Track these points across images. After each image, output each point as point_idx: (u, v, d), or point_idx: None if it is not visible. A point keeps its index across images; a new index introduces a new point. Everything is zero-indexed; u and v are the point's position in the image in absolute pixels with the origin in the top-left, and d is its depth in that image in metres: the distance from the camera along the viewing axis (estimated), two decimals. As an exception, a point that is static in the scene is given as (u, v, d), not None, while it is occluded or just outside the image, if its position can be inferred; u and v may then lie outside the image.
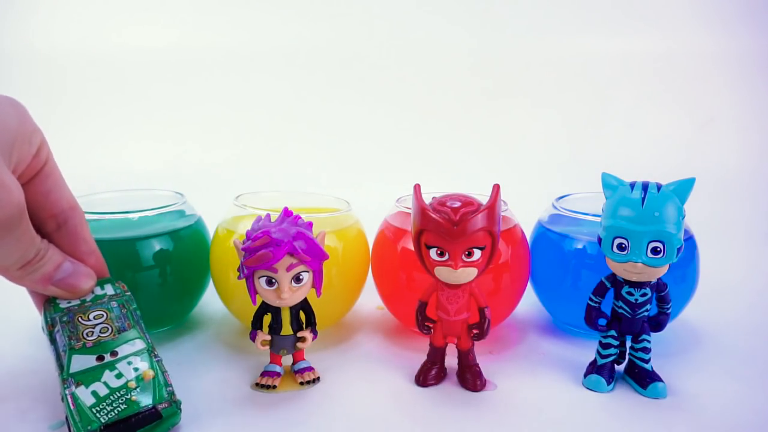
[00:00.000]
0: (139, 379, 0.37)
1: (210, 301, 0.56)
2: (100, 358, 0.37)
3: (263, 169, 1.04)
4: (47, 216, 0.40)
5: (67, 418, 0.35)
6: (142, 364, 0.38)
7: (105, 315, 0.40)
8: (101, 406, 0.34)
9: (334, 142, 1.11)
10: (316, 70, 1.14)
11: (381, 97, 1.16)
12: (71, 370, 0.37)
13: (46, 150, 0.39)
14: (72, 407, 0.34)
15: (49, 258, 0.38)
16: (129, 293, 0.43)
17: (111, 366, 0.37)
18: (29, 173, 0.38)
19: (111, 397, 0.35)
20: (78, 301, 0.41)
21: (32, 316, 0.54)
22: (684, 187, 0.38)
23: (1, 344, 0.50)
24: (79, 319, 0.40)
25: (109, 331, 0.39)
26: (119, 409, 0.34)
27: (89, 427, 0.33)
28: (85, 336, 0.39)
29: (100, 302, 0.41)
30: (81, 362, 0.37)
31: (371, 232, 0.54)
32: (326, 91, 1.15)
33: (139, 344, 0.39)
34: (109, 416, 0.34)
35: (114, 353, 0.38)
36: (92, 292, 0.42)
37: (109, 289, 0.42)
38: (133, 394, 0.35)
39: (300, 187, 0.63)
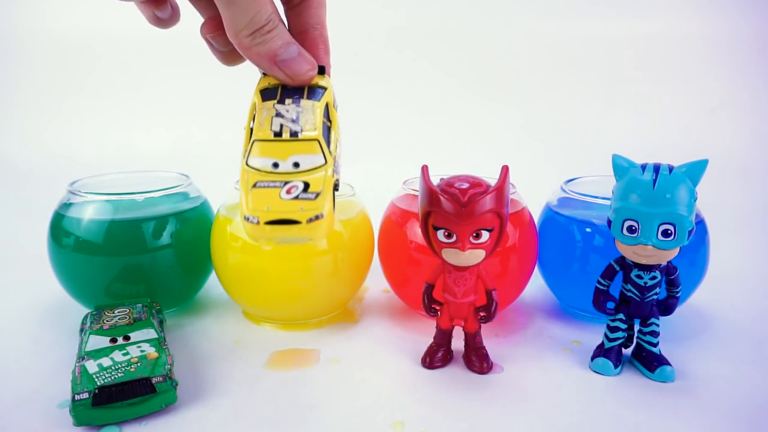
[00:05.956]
0: (143, 358, 0.39)
1: (216, 283, 0.56)
2: (114, 340, 0.41)
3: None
4: None
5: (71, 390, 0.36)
6: (150, 349, 0.40)
7: (128, 310, 0.45)
8: (101, 374, 0.37)
9: (341, 124, 1.10)
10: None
11: (388, 79, 1.15)
12: (86, 349, 0.40)
13: None
14: (77, 375, 0.37)
15: (277, 33, 0.35)
16: (159, 307, 0.48)
17: (121, 347, 0.40)
18: None
19: (112, 368, 0.38)
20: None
21: (40, 298, 0.55)
22: (696, 169, 0.38)
23: (10, 326, 0.50)
24: (106, 312, 0.45)
25: (127, 318, 0.44)
26: (116, 376, 0.37)
27: (86, 388, 0.36)
28: (104, 321, 0.43)
29: (129, 305, 0.46)
30: (96, 342, 0.41)
31: (378, 215, 0.53)
32: (331, 72, 1.13)
33: (152, 334, 0.42)
34: (105, 381, 0.36)
35: (127, 337, 0.41)
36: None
37: (139, 306, 0.46)
38: (132, 366, 0.38)
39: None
